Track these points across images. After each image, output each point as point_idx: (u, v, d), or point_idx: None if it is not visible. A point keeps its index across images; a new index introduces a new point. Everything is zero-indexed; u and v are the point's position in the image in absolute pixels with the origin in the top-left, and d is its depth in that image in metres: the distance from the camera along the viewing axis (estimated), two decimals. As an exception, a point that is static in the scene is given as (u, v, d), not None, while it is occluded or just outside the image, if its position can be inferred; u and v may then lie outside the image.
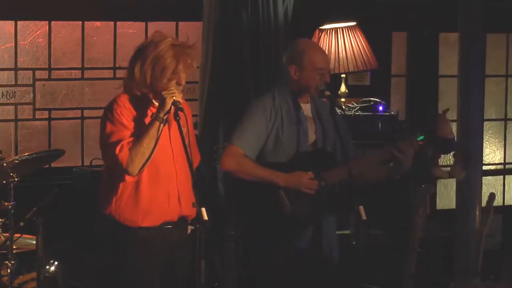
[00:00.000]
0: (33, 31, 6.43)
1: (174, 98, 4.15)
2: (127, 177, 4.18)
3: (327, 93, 4.67)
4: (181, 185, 4.28)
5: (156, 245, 4.26)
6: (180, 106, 4.14)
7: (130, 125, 4.21)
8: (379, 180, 4.73)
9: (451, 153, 4.81)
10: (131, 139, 4.16)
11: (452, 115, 4.60)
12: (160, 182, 4.25)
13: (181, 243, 4.36)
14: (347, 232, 5.57)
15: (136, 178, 4.20)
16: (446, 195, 7.60)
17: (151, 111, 4.24)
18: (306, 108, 4.76)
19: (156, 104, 4.23)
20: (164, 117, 4.15)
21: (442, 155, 4.79)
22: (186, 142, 4.06)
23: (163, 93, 4.16)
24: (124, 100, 4.25)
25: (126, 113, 4.22)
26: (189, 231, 4.41)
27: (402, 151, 4.57)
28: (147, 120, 4.21)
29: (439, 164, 4.73)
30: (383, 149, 4.66)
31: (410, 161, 4.61)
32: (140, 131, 4.17)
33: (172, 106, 4.14)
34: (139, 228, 4.24)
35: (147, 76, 4.21)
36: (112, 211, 4.25)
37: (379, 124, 6.39)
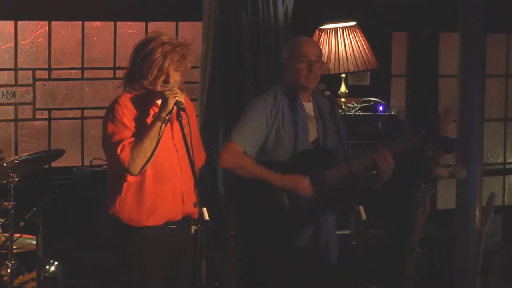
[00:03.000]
0: (33, 31, 6.43)
1: (177, 98, 4.14)
2: (130, 177, 4.19)
3: (327, 93, 4.67)
4: (186, 184, 4.28)
5: (161, 245, 4.26)
6: (183, 106, 4.14)
7: (132, 125, 4.21)
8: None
9: (453, 153, 4.80)
10: (133, 139, 4.16)
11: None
12: (165, 181, 4.25)
13: (186, 243, 4.36)
14: (347, 232, 5.57)
15: (140, 178, 4.20)
16: (446, 195, 7.59)
17: (153, 110, 4.24)
18: (308, 106, 4.76)
19: (158, 103, 4.23)
20: (166, 117, 4.15)
21: (444, 155, 4.77)
22: (188, 142, 4.06)
23: (166, 93, 4.15)
24: (126, 100, 4.25)
25: (127, 113, 4.22)
26: (192, 231, 4.41)
27: (382, 158, 4.54)
28: (149, 120, 4.21)
29: (441, 164, 4.71)
30: (365, 155, 4.63)
31: (390, 170, 4.58)
32: (141, 131, 4.17)
33: (175, 106, 4.14)
34: (143, 227, 4.24)
35: (136, 74, 4.22)
36: (116, 211, 4.25)
37: (379, 124, 6.39)
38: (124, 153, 4.12)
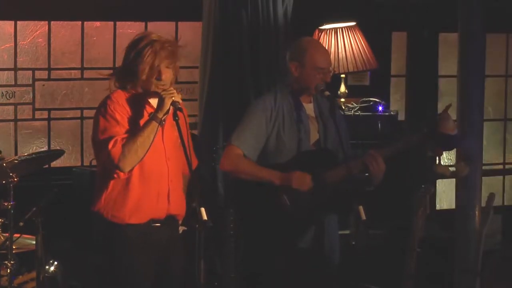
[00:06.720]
0: (33, 31, 6.43)
1: (173, 98, 4.13)
2: (118, 174, 4.18)
3: (327, 93, 4.66)
4: (172, 184, 4.28)
5: (144, 243, 4.25)
6: (179, 106, 4.13)
7: (124, 121, 4.19)
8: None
9: (453, 150, 4.80)
10: (125, 135, 4.14)
11: (452, 115, 4.60)
12: (151, 180, 4.24)
13: (172, 242, 4.34)
14: (347, 232, 5.57)
15: (127, 175, 4.20)
16: (446, 195, 7.59)
17: (146, 110, 4.23)
18: (309, 107, 4.75)
19: (151, 102, 4.23)
20: (162, 118, 4.14)
21: (444, 152, 4.77)
22: (185, 142, 4.05)
23: (162, 93, 4.14)
24: (118, 97, 4.24)
25: (119, 109, 4.20)
26: (180, 231, 4.41)
27: (374, 162, 4.54)
28: (142, 118, 4.20)
29: (441, 161, 4.71)
30: (357, 159, 4.62)
31: (381, 174, 4.59)
32: (133, 128, 4.16)
33: (171, 107, 4.14)
34: (126, 225, 4.23)
35: (128, 73, 4.21)
36: (100, 208, 4.25)
37: (379, 124, 6.39)
38: (115, 148, 4.11)
